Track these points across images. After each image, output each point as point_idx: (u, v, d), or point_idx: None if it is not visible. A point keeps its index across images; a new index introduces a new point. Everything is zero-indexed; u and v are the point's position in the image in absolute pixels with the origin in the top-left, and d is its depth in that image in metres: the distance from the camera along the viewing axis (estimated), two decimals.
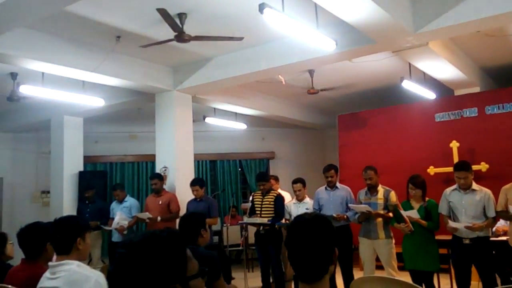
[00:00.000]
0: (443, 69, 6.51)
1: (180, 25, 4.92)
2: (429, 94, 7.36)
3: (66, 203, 8.09)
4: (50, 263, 2.29)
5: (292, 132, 11.18)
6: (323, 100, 9.08)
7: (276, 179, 7.07)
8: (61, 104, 7.48)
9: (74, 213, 7.25)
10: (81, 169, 8.51)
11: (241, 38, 5.23)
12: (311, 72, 7.24)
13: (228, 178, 10.97)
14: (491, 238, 4.67)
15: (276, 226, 5.73)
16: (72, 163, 8.35)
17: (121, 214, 6.56)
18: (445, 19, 4.65)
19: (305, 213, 1.62)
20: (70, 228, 2.32)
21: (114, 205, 6.93)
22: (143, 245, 1.18)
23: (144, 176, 10.20)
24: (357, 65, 6.77)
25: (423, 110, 7.28)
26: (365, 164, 5.41)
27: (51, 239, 2.41)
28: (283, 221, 5.81)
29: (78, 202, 7.87)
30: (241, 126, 9.67)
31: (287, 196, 6.57)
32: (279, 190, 6.55)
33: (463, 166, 4.50)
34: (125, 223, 6.50)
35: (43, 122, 8.59)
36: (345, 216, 5.36)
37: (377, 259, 5.20)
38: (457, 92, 7.44)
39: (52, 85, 6.28)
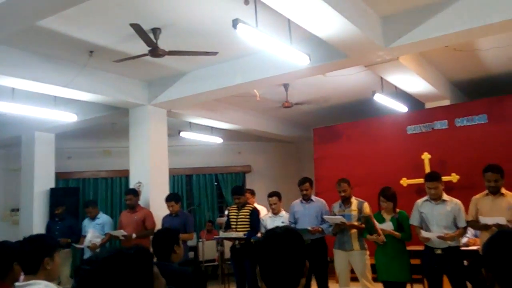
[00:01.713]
0: (414, 82, 6.67)
1: (154, 40, 4.92)
2: (401, 107, 7.52)
3: (37, 221, 7.88)
4: (16, 284, 2.21)
5: (268, 145, 11.22)
6: (298, 114, 9.17)
7: (252, 192, 7.06)
8: (32, 120, 7.33)
9: (44, 231, 7.05)
10: (53, 186, 8.32)
11: (215, 53, 5.26)
12: (285, 86, 7.31)
13: (204, 193, 10.89)
14: (462, 248, 4.76)
15: (252, 240, 5.70)
16: (43, 180, 8.16)
17: (93, 232, 6.40)
18: (414, 34, 4.79)
19: (276, 227, 1.62)
20: (37, 247, 2.26)
21: (86, 222, 6.76)
22: (108, 262, 1.16)
23: (118, 192, 10.03)
24: (331, 79, 6.88)
25: (395, 122, 7.43)
26: (340, 176, 5.47)
27: (18, 259, 2.33)
28: (259, 235, 5.79)
29: (48, 219, 7.66)
30: (217, 140, 9.66)
31: (263, 210, 6.55)
32: (255, 204, 6.54)
33: (433, 177, 4.61)
34: (98, 240, 6.34)
35: (13, 138, 8.40)
36: (320, 229, 5.38)
37: (352, 271, 5.23)
38: (428, 105, 7.62)
39: (22, 101, 6.15)
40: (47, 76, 5.58)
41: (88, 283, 1.14)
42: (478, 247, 4.77)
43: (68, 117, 6.77)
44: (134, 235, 6.08)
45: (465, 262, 4.75)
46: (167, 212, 6.16)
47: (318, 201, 5.67)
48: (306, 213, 5.57)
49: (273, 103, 8.22)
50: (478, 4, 4.48)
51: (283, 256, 1.50)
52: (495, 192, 4.33)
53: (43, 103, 6.44)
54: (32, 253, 2.24)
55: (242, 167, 11.19)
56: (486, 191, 4.43)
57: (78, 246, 6.60)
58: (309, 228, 5.30)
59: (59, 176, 8.85)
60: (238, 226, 5.85)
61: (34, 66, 5.48)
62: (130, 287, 1.15)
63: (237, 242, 5.81)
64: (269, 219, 5.91)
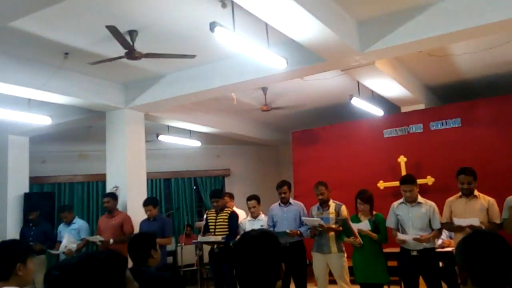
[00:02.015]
0: (390, 87, 6.77)
1: (131, 42, 4.87)
2: (377, 111, 7.63)
3: (10, 227, 7.68)
4: None
5: (247, 149, 11.23)
6: (277, 117, 9.21)
7: (231, 196, 7.05)
8: (5, 123, 7.17)
9: (18, 237, 6.88)
10: (27, 190, 8.13)
11: (193, 56, 5.23)
12: (264, 89, 7.34)
13: (183, 197, 10.83)
14: (438, 250, 4.84)
15: (231, 244, 5.69)
16: (16, 185, 7.96)
17: (69, 237, 6.28)
18: (389, 39, 4.87)
19: (252, 230, 1.63)
20: (8, 253, 2.21)
21: (61, 227, 6.63)
22: (78, 267, 1.14)
23: (95, 197, 9.89)
24: (309, 83, 6.93)
25: (372, 126, 7.52)
26: (318, 179, 5.51)
27: None
28: (237, 238, 5.78)
29: (22, 225, 7.48)
30: (196, 143, 9.62)
31: (242, 214, 6.55)
32: (234, 208, 6.53)
33: (408, 179, 4.69)
34: (74, 246, 6.22)
35: None
36: (298, 232, 5.40)
37: (330, 274, 5.26)
38: (404, 109, 7.75)
39: None
40: (21, 78, 5.47)
41: None
42: (453, 248, 4.86)
43: (42, 120, 6.63)
44: (111, 241, 5.99)
45: (441, 263, 4.84)
46: (145, 216, 6.09)
47: (296, 204, 5.69)
48: (285, 216, 5.59)
49: (252, 107, 8.23)
50: (451, 11, 4.59)
51: (258, 259, 1.50)
52: (468, 194, 4.43)
53: (16, 106, 6.30)
54: (3, 259, 2.19)
55: (221, 171, 11.16)
56: (459, 193, 4.52)
57: (53, 252, 6.46)
58: (288, 231, 5.32)
59: (33, 180, 8.66)
60: (217, 230, 5.83)
61: (7, 68, 5.36)
62: None
63: (215, 246, 5.79)
64: (248, 223, 5.91)
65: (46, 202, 8.12)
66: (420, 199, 4.65)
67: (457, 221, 4.37)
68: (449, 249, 5.11)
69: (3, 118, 6.48)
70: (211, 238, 5.77)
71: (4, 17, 3.87)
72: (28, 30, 4.70)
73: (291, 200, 5.73)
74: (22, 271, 2.21)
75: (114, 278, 1.18)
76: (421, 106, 7.60)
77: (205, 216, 6.22)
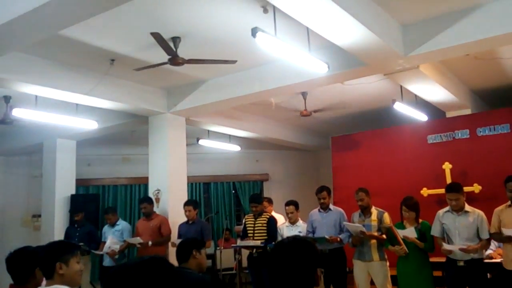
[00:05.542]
0: (434, 91, 6.58)
1: (174, 49, 4.97)
2: (421, 116, 7.42)
3: (58, 227, 7.97)
4: None
5: (286, 154, 11.19)
6: (317, 122, 9.14)
7: (270, 201, 7.04)
8: (54, 127, 7.45)
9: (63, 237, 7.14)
10: (73, 192, 8.43)
11: (234, 61, 5.29)
12: (304, 94, 7.30)
13: (221, 201, 10.90)
14: (486, 261, 4.65)
15: (269, 248, 5.67)
16: (64, 186, 8.27)
17: (112, 238, 6.47)
18: (434, 42, 4.74)
19: (284, 238, 1.63)
20: (49, 252, 2.31)
21: (106, 228, 6.84)
22: (137, 268, 1.18)
23: (137, 199, 10.09)
24: (350, 88, 6.84)
25: (416, 132, 7.31)
26: (358, 185, 5.42)
27: (39, 264, 2.38)
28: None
29: (68, 226, 7.75)
30: (235, 148, 9.68)
31: (280, 219, 6.53)
32: (273, 213, 6.53)
33: (454, 187, 4.53)
34: (117, 247, 6.40)
35: (35, 145, 8.54)
36: (338, 239, 5.32)
37: (372, 282, 5.15)
38: (449, 114, 7.51)
39: (45, 108, 6.27)
40: (69, 84, 5.68)
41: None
42: (502, 259, 4.65)
43: (89, 125, 6.87)
44: (150, 243, 6.11)
45: (489, 275, 4.64)
46: (185, 219, 6.18)
47: (336, 210, 5.62)
48: (324, 222, 5.53)
49: (291, 112, 8.21)
50: (499, 13, 4.42)
51: (291, 266, 1.50)
52: None
53: (65, 111, 6.55)
54: (44, 259, 2.29)
55: (260, 176, 11.17)
56: (508, 202, 4.34)
57: (97, 252, 6.66)
58: (327, 237, 5.26)
59: (79, 182, 8.96)
60: (255, 235, 5.83)
61: (57, 74, 5.58)
62: None
63: (254, 250, 5.80)
64: (286, 229, 5.88)
65: (91, 204, 8.39)
66: (467, 207, 4.48)
67: (506, 232, 4.19)
68: (498, 260, 4.88)
69: (53, 122, 6.75)
70: (251, 243, 5.78)
71: (55, 26, 4.03)
72: (76, 37, 4.89)
73: (331, 206, 5.66)
74: (64, 270, 2.28)
75: (172, 281, 1.21)
76: (467, 111, 7.35)
77: (243, 221, 6.23)
